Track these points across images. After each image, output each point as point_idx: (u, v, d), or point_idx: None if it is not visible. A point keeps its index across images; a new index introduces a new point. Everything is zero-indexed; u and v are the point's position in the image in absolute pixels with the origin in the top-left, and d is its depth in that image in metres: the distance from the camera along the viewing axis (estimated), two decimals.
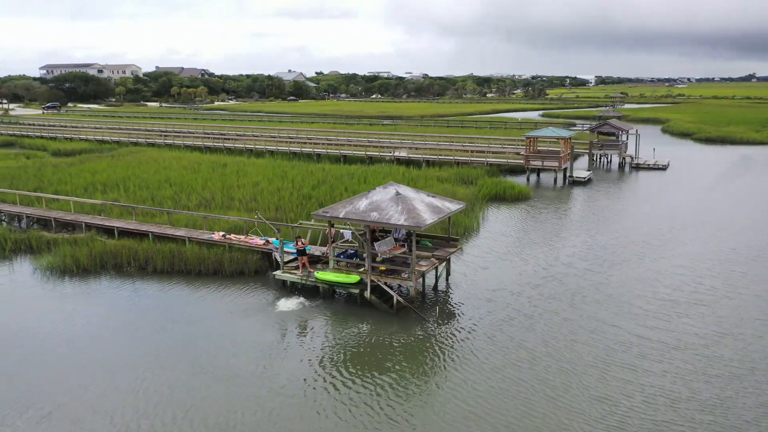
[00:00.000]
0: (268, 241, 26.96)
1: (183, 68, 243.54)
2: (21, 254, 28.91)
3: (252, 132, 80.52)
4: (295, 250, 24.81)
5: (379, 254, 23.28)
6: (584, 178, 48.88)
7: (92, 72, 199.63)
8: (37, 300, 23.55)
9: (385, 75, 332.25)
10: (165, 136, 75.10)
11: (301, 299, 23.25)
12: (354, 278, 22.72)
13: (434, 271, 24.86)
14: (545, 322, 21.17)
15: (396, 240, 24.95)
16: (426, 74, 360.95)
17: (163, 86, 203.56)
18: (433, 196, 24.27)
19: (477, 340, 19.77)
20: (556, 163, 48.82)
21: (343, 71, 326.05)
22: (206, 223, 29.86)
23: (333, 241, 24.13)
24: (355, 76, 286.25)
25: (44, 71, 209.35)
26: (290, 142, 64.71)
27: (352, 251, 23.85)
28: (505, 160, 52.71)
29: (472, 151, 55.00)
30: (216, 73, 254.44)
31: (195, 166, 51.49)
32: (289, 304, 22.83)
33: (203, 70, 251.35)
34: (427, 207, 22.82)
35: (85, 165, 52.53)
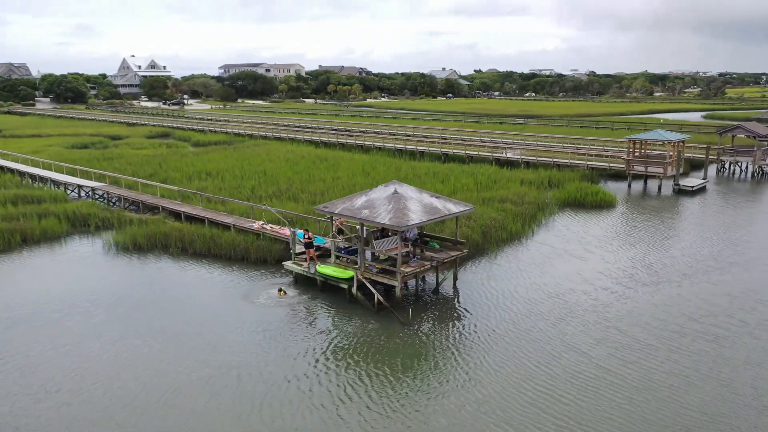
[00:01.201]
0: (294, 233, 28.13)
1: (343, 67, 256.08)
2: (103, 230, 33.14)
3: (373, 129, 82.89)
4: (321, 242, 25.72)
5: (377, 252, 23.33)
6: (692, 187, 43.75)
7: (261, 71, 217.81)
8: (92, 269, 27.02)
9: (547, 73, 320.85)
10: (296, 130, 79.96)
11: (299, 291, 24.03)
12: (348, 274, 23.04)
13: (434, 274, 24.28)
14: (511, 343, 19.80)
15: (407, 240, 24.75)
16: (592, 72, 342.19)
17: (322, 84, 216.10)
18: (436, 197, 23.71)
19: (426, 349, 19.13)
20: (660, 170, 44.28)
21: (513, 69, 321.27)
22: (252, 212, 31.87)
23: (339, 234, 24.58)
24: (511, 74, 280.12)
25: (222, 70, 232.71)
26: (396, 139, 65.66)
27: (355, 247, 24.14)
28: (606, 165, 48.87)
29: (572, 154, 51.74)
30: (373, 72, 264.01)
31: (298, 159, 54.53)
32: (289, 293, 23.74)
33: (361, 68, 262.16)
34: (421, 208, 22.40)
35: (207, 156, 58.02)
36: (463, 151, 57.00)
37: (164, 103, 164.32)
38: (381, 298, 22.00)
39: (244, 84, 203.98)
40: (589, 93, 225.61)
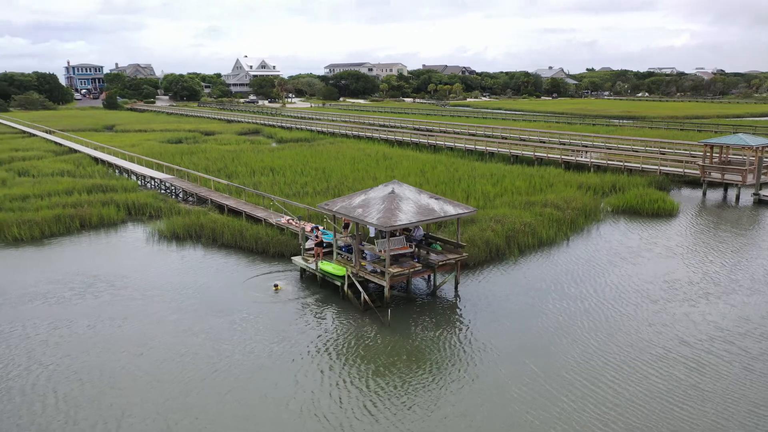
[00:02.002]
0: (317, 228, 28.71)
1: (446, 66, 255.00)
2: (155, 219, 35.58)
3: (456, 128, 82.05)
4: (331, 238, 26.18)
5: (376, 252, 23.31)
6: None
7: (363, 70, 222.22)
8: (126, 254, 29.20)
9: (667, 71, 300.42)
10: (376, 129, 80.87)
11: (298, 287, 24.49)
12: (343, 271, 23.23)
13: (431, 276, 23.83)
14: (492, 356, 19.02)
15: (413, 240, 24.53)
16: (721, 70, 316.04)
17: (423, 83, 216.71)
18: (435, 199, 23.27)
19: (398, 354, 18.85)
20: (738, 177, 40.36)
21: (634, 67, 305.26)
22: (286, 207, 32.88)
23: (345, 229, 24.79)
24: (625, 72, 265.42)
25: (327, 70, 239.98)
26: (466, 140, 64.64)
27: (361, 244, 24.25)
28: (681, 170, 45.24)
29: (644, 157, 48.37)
30: (477, 71, 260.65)
31: (363, 157, 55.29)
32: (287, 288, 24.33)
33: (465, 67, 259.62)
34: (415, 208, 22.11)
35: (281, 152, 60.38)
36: (532, 153, 55.09)
37: (269, 101, 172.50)
38: (367, 298, 21.99)
39: (347, 83, 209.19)
40: (710, 93, 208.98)
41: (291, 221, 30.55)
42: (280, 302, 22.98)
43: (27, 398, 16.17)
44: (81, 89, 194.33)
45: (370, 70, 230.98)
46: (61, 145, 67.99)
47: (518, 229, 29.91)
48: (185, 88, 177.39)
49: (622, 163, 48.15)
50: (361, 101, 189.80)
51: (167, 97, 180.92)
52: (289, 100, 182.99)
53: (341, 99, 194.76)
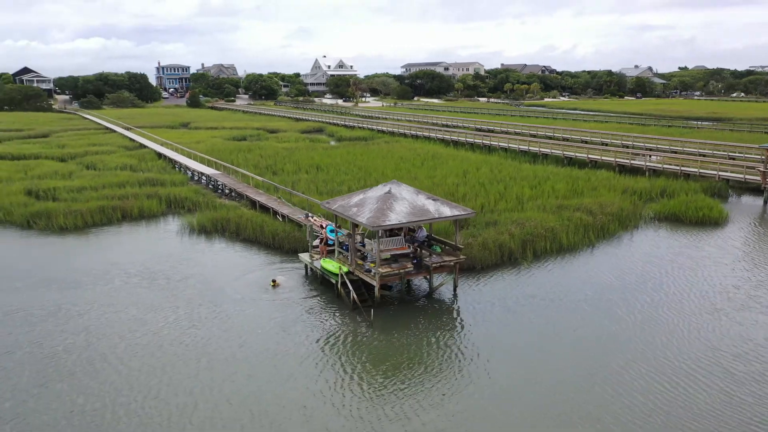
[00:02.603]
0: (322, 225, 29.06)
1: (525, 65, 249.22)
2: (192, 212, 37.13)
3: (515, 129, 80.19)
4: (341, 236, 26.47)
5: (375, 251, 23.34)
6: None
7: (439, 70, 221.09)
8: (153, 244, 30.75)
9: None
10: (433, 129, 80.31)
11: (297, 283, 24.86)
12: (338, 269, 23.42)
13: (427, 278, 23.55)
14: (471, 365, 18.59)
15: (416, 240, 24.36)
16: None
17: (500, 82, 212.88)
18: (433, 200, 23.02)
19: (377, 354, 18.79)
20: None
21: (736, 66, 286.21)
22: (309, 205, 33.46)
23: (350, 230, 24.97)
24: (720, 71, 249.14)
25: (403, 69, 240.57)
26: (520, 140, 62.99)
27: (361, 244, 24.37)
28: (741, 176, 42.08)
29: (702, 162, 45.36)
30: (558, 69, 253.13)
31: (411, 157, 55.11)
32: (287, 284, 24.76)
33: (545, 66, 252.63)
34: (408, 209, 21.98)
35: (334, 151, 61.10)
36: (586, 155, 53.01)
37: (344, 100, 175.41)
38: (355, 296, 22.06)
39: (423, 82, 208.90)
40: None
41: (311, 218, 31.06)
42: (274, 297, 23.40)
43: (106, 365, 17.48)
44: (169, 88, 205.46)
45: (446, 69, 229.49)
46: (133, 140, 72.28)
47: (537, 234, 28.96)
48: (263, 87, 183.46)
49: (678, 168, 45.45)
50: (435, 101, 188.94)
51: (247, 96, 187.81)
52: (364, 99, 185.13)
53: (415, 98, 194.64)
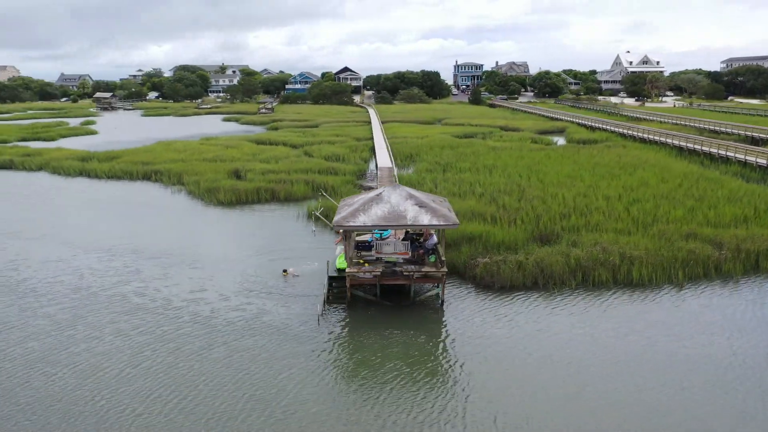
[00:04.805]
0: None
1: None
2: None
3: None
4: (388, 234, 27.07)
5: (374, 253, 23.59)
6: None
7: (767, 64, 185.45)
8: (261, 225, 35.32)
9: None
10: (673, 136, 69.28)
11: (307, 275, 26.07)
12: (342, 266, 24.15)
13: (409, 287, 22.52)
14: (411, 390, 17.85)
15: (425, 248, 23.76)
16: None
17: None
18: (419, 207, 22.06)
19: (323, 353, 19.42)
20: None
21: None
22: None
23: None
24: None
25: (723, 65, 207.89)
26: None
27: (369, 243, 24.69)
28: None
29: None
30: None
31: (616, 168, 48.87)
32: (300, 276, 26.04)
33: None
34: (383, 214, 21.91)
35: (539, 153, 57.01)
36: None
37: (635, 100, 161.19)
38: (327, 294, 22.77)
39: (744, 80, 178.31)
40: None
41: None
42: (277, 287, 24.83)
43: None
44: (461, 86, 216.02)
45: None
46: (365, 133, 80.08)
47: (601, 260, 24.67)
48: (548, 85, 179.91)
49: None
50: (754, 101, 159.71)
51: (531, 94, 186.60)
52: (660, 98, 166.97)
53: (728, 98, 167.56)
